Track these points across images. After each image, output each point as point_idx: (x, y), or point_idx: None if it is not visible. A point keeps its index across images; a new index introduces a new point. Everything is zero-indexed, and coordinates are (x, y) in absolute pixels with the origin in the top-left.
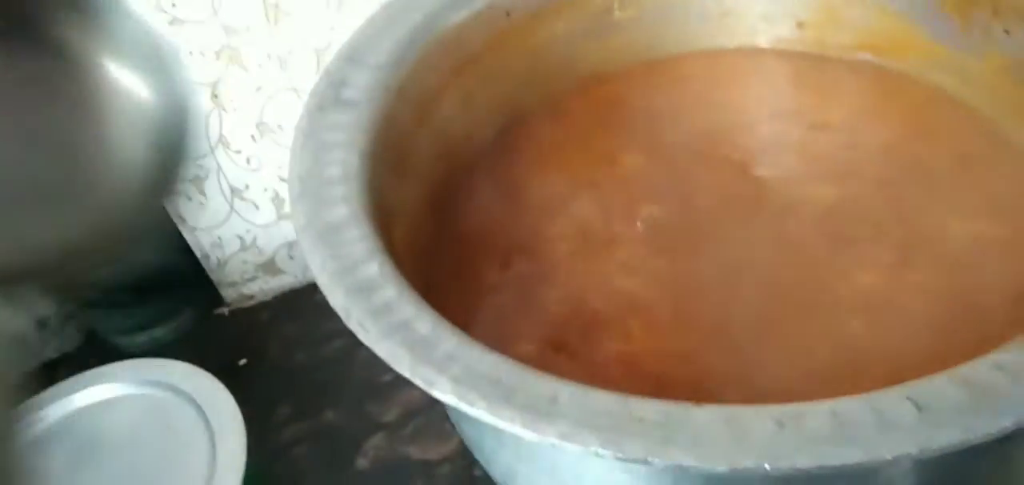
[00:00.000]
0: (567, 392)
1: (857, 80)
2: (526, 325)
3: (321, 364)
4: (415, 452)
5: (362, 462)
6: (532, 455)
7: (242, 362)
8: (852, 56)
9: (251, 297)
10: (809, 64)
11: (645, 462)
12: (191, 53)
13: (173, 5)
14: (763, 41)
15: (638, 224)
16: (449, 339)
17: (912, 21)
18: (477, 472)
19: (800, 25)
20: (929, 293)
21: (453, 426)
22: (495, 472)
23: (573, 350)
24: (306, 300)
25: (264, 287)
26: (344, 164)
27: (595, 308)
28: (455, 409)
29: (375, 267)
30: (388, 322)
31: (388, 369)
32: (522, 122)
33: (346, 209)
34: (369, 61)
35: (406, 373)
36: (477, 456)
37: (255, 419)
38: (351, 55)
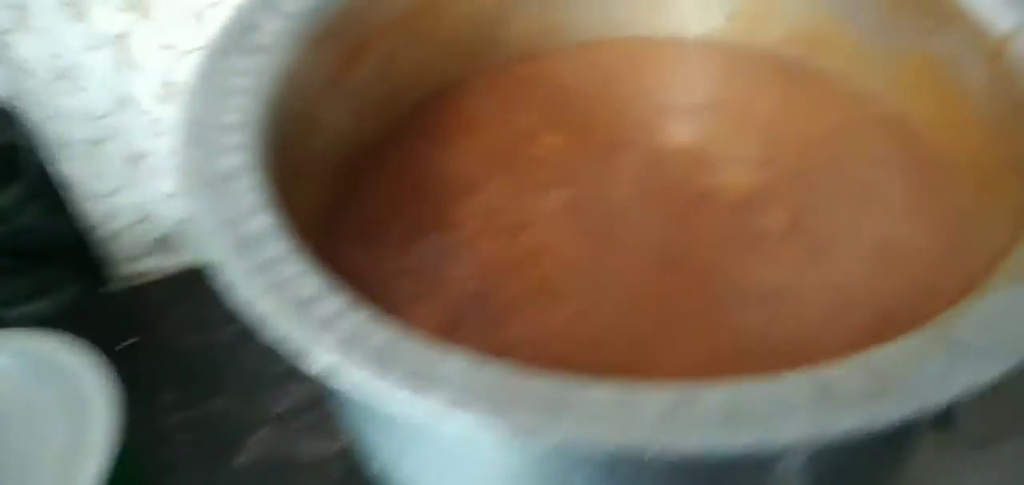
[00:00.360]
0: (455, 362)
1: (783, 75)
2: (429, 302)
3: (213, 349)
4: (303, 448)
5: (246, 455)
6: (418, 442)
7: (129, 342)
8: (780, 51)
9: (144, 275)
10: (737, 57)
11: (532, 436)
12: (98, 2)
13: None
14: (693, 31)
15: (552, 206)
16: (333, 302)
17: (840, 18)
18: (365, 472)
19: (730, 17)
20: (836, 289)
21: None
22: (380, 466)
23: (477, 331)
24: (204, 281)
25: (159, 264)
26: (244, 111)
27: (502, 290)
28: (340, 392)
29: (263, 221)
30: (269, 280)
31: (281, 359)
32: (444, 93)
33: (240, 158)
34: (285, 8)
35: (281, 336)
36: (362, 450)
37: (138, 402)
38: (264, 0)
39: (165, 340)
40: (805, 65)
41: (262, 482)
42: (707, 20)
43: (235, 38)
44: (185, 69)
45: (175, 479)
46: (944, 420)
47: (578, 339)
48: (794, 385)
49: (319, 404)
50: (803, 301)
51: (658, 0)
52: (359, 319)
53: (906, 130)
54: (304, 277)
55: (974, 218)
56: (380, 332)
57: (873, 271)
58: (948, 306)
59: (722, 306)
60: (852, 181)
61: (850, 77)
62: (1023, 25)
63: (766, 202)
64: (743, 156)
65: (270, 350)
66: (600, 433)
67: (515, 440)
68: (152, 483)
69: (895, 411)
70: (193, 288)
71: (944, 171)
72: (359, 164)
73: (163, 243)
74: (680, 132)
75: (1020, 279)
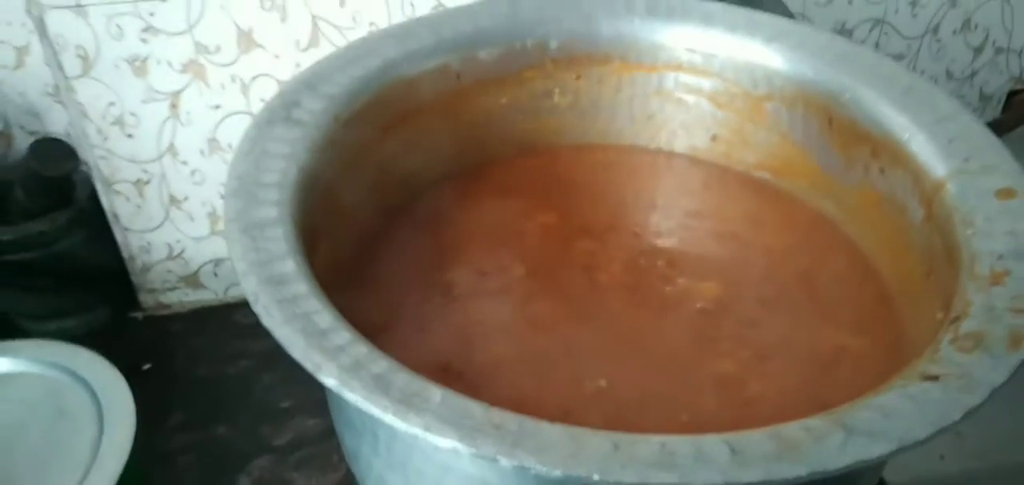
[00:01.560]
0: (439, 394)
1: (755, 194)
2: (421, 358)
3: (223, 381)
4: (299, 479)
5: (244, 480)
6: (402, 463)
7: (146, 367)
8: (753, 173)
9: (168, 306)
10: (716, 174)
11: (494, 460)
12: (159, 62)
13: (151, 14)
14: (680, 147)
15: (539, 281)
16: (344, 335)
17: (807, 151)
18: None
19: (714, 139)
20: (782, 388)
21: (340, 459)
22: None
23: (458, 386)
24: (221, 319)
25: (183, 298)
26: (282, 173)
27: (487, 350)
28: (339, 413)
29: (290, 264)
30: (292, 311)
31: (287, 396)
32: (454, 177)
33: (275, 211)
34: (323, 89)
35: (298, 356)
36: (352, 467)
37: (148, 422)
38: (308, 81)
39: (178, 368)
40: (775, 188)
41: None
42: (692, 139)
43: (279, 111)
44: (228, 129)
45: None
46: None
47: (555, 406)
48: (714, 444)
49: (318, 441)
50: (752, 396)
51: (651, 116)
52: (363, 350)
53: (856, 253)
54: (320, 313)
55: (908, 337)
56: (380, 362)
57: (818, 376)
58: None
59: (683, 392)
60: (807, 294)
61: (813, 204)
62: (955, 171)
63: (733, 307)
64: (714, 260)
65: (275, 387)
66: (551, 461)
67: (480, 462)
68: None
69: (791, 471)
70: (211, 325)
71: (886, 293)
72: (374, 229)
73: (189, 280)
74: (662, 232)
75: (909, 383)
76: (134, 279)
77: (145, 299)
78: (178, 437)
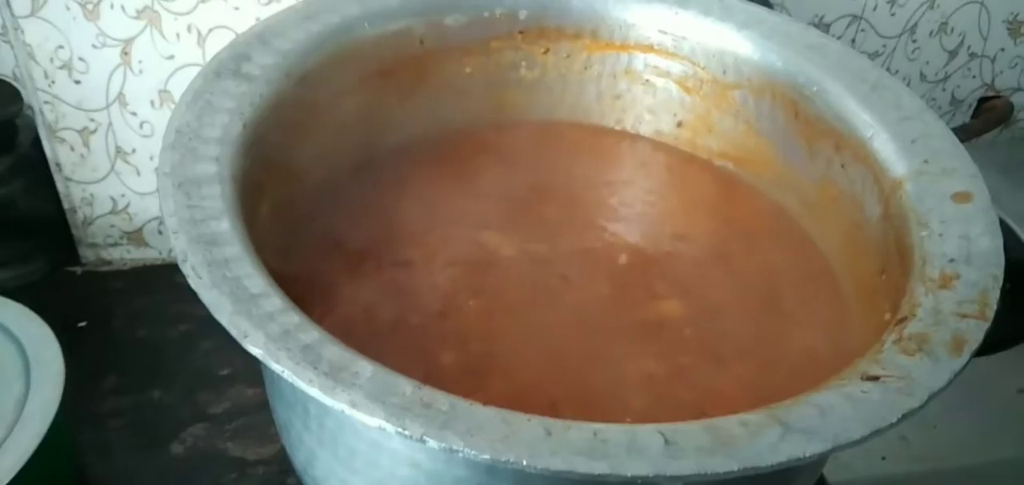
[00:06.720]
0: (370, 369)
1: (716, 184)
2: (353, 331)
3: (162, 344)
4: (234, 449)
5: (177, 448)
6: (333, 439)
7: (82, 324)
8: (716, 161)
9: (109, 262)
10: (680, 160)
11: (421, 441)
12: (112, 6)
13: None
14: (645, 130)
15: (489, 256)
16: (275, 302)
17: (771, 142)
18: (290, 481)
19: (679, 124)
20: (723, 387)
21: (276, 431)
22: (299, 460)
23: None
24: (164, 279)
25: (125, 256)
26: (226, 128)
27: (434, 323)
28: (271, 383)
29: (225, 224)
30: (222, 274)
31: (226, 363)
32: (413, 146)
33: (214, 168)
34: (276, 44)
35: (224, 322)
36: (284, 440)
37: (80, 382)
38: (261, 34)
39: (117, 328)
40: (736, 178)
41: (189, 474)
42: (658, 123)
43: (228, 63)
44: (181, 81)
45: (102, 461)
46: None
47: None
48: (648, 434)
49: (255, 411)
50: (686, 393)
51: (618, 97)
52: (294, 319)
53: (813, 250)
54: (252, 277)
55: (858, 337)
56: (310, 332)
57: (766, 375)
58: None
59: (618, 391)
60: (761, 289)
61: (773, 197)
62: (915, 172)
63: (684, 302)
64: (670, 254)
65: (215, 353)
66: (480, 445)
67: (410, 442)
68: (77, 462)
69: (724, 465)
70: (153, 284)
71: (840, 292)
72: (325, 192)
73: (132, 237)
74: (619, 219)
75: (848, 383)
76: (75, 232)
77: (85, 254)
78: (111, 400)
